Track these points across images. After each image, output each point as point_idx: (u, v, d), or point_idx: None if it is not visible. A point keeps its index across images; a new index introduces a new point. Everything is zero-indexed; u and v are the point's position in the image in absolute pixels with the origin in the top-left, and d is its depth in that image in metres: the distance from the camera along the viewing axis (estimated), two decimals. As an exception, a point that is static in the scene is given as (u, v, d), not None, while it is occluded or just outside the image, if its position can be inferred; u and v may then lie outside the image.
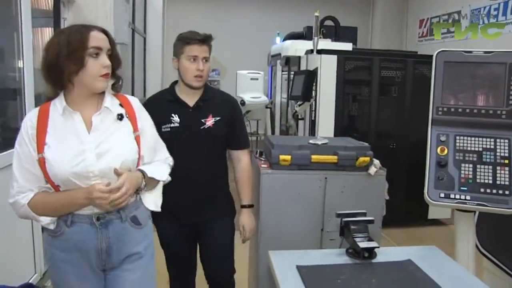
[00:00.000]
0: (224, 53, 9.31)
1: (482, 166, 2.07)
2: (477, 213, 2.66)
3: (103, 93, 1.64)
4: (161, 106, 2.21)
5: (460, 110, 2.14)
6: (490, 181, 2.04)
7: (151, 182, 1.69)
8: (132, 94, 6.68)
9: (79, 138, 1.56)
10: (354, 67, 4.21)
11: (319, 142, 2.35)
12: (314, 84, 3.82)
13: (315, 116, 4.10)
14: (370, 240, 1.61)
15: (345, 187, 2.30)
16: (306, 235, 2.30)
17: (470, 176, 2.06)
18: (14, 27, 2.81)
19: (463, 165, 2.09)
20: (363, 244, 1.56)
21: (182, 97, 2.21)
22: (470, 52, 2.16)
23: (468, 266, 2.20)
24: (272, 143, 2.36)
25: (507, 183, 2.02)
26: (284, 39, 6.74)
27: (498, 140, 2.09)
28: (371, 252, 1.58)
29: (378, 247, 1.59)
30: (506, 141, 2.07)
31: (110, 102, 1.65)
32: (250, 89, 5.83)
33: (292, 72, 4.88)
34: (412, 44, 8.77)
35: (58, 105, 1.59)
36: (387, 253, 1.64)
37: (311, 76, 3.65)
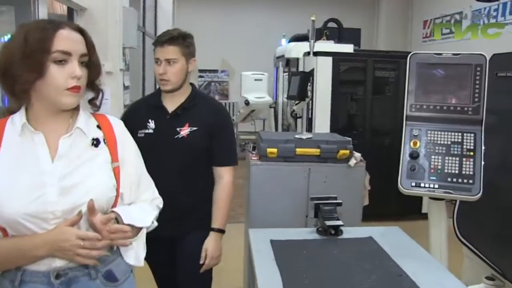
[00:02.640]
0: (233, 54, 9.63)
1: (450, 158, 2.27)
2: (457, 203, 2.88)
3: (77, 110, 1.32)
4: (141, 110, 2.11)
5: (431, 107, 2.34)
6: (457, 171, 2.24)
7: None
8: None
9: (38, 167, 1.21)
10: (349, 68, 4.45)
11: (304, 137, 2.59)
12: (309, 84, 4.06)
13: (312, 115, 4.35)
14: (337, 219, 1.85)
15: (327, 177, 2.53)
16: (292, 221, 2.52)
17: (439, 167, 2.26)
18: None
19: (433, 156, 2.29)
20: (329, 222, 1.81)
21: (164, 102, 2.09)
22: (440, 54, 2.36)
23: (441, 250, 2.41)
24: (261, 137, 2.61)
25: (471, 173, 2.22)
26: (290, 41, 6.99)
27: (465, 134, 2.29)
28: (337, 229, 1.82)
29: (342, 225, 1.83)
30: (472, 135, 2.27)
31: (85, 122, 1.31)
32: (254, 89, 6.09)
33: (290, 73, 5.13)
34: (416, 45, 8.92)
35: (16, 121, 1.25)
36: (352, 231, 1.88)
37: (306, 77, 3.88)
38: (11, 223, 1.17)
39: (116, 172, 1.33)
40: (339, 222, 1.82)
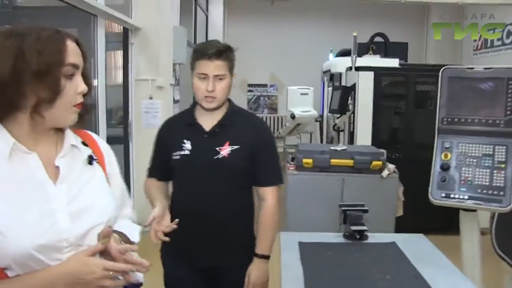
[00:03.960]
0: (282, 69, 9.84)
1: (481, 170, 2.32)
2: (495, 217, 2.88)
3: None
4: (176, 130, 1.95)
5: (462, 120, 2.39)
6: (487, 183, 2.28)
7: None
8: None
9: (43, 193, 1.08)
10: (391, 82, 4.51)
11: (339, 148, 2.72)
12: (350, 98, 4.17)
13: (353, 128, 4.44)
14: (362, 225, 1.96)
15: (361, 187, 2.63)
16: (326, 229, 2.64)
17: (470, 178, 2.31)
18: (91, 53, 3.44)
19: (463, 168, 2.34)
20: (354, 227, 1.92)
21: (200, 119, 1.90)
22: (472, 68, 2.43)
23: (473, 263, 2.43)
24: (298, 149, 2.76)
25: (502, 185, 2.26)
26: (336, 56, 7.09)
27: (496, 147, 2.33)
28: (362, 234, 1.93)
29: (366, 230, 1.94)
30: (504, 147, 2.30)
31: (74, 139, 1.20)
32: (300, 103, 6.22)
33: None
34: (467, 57, 8.77)
35: None
36: (377, 237, 1.98)
37: (347, 91, 4.01)
38: (22, 258, 1.02)
39: None
40: (364, 227, 1.93)
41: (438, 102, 2.46)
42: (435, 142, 2.45)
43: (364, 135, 4.39)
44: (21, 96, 1.03)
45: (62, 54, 1.05)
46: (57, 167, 1.12)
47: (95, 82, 3.60)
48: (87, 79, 1.14)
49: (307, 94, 6.36)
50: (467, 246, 2.45)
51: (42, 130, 1.11)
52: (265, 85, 10.34)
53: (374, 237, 1.98)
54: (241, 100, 10.08)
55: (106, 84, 3.97)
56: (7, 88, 1.01)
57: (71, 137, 1.18)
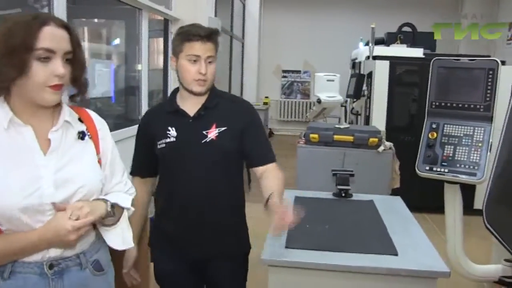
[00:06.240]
0: (315, 56, 10.22)
1: (461, 148, 2.71)
2: (486, 196, 3.23)
3: (59, 103, 1.29)
4: (157, 118, 1.87)
5: (448, 104, 2.78)
6: (465, 159, 2.68)
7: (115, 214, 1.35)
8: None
9: (32, 161, 1.22)
10: (406, 70, 4.88)
11: (342, 126, 3.16)
12: (364, 84, 4.58)
13: (369, 112, 4.84)
14: (347, 185, 2.42)
15: (359, 160, 3.07)
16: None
17: (451, 155, 2.71)
18: (136, 41, 3.99)
19: (446, 146, 2.72)
20: (340, 187, 2.38)
21: (182, 106, 1.83)
22: (458, 59, 2.81)
23: (455, 229, 2.82)
24: (308, 126, 3.22)
25: (477, 161, 2.65)
26: (366, 44, 7.42)
27: (476, 128, 2.70)
28: (346, 193, 2.39)
29: (349, 189, 2.39)
30: (482, 129, 2.67)
31: (70, 115, 1.32)
32: (326, 89, 6.58)
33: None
34: (500, 47, 8.84)
35: None
36: (360, 196, 2.43)
37: (361, 78, 4.41)
38: (9, 216, 1.17)
39: (99, 163, 1.36)
40: (348, 187, 2.39)
41: (428, 88, 2.84)
42: (424, 123, 2.84)
43: (379, 119, 4.78)
44: None
45: (31, 39, 1.15)
46: (49, 140, 1.26)
47: (139, 67, 4.15)
48: (79, 62, 1.28)
49: (333, 80, 6.72)
50: (449, 215, 2.83)
51: (35, 106, 1.23)
52: (298, 71, 10.75)
53: (357, 196, 2.43)
54: (275, 86, 10.57)
55: (148, 69, 4.50)
56: None
57: (66, 114, 1.31)
